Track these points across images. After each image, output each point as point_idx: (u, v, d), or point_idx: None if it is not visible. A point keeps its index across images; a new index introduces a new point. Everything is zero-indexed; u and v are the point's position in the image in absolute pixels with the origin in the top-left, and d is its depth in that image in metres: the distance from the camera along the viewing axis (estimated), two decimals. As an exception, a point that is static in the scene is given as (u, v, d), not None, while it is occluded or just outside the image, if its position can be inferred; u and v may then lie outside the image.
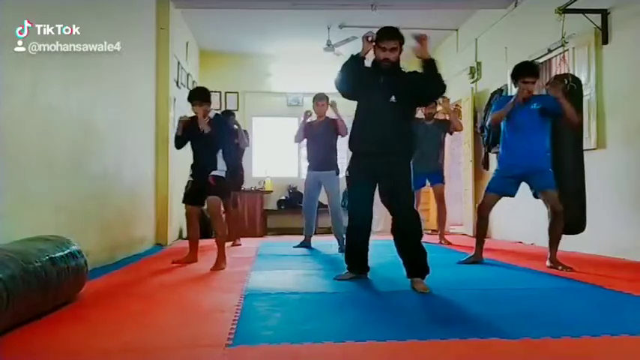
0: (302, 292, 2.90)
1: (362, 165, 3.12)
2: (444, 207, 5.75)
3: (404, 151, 3.09)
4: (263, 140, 8.84)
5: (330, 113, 5.20)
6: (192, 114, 4.08)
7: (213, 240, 4.12)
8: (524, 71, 3.73)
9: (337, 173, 5.15)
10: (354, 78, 3.09)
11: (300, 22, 7.21)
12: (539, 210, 4.16)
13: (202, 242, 4.45)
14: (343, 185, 5.24)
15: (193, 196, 4.05)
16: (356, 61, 3.08)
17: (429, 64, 2.98)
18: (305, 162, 5.78)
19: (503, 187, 3.87)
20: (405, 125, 3.12)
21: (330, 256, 4.74)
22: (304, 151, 7.47)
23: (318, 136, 5.21)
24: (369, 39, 3.04)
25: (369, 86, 3.07)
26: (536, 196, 3.84)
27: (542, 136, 3.76)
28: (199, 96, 4.02)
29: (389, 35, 2.99)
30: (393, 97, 3.00)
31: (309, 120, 5.34)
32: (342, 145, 4.72)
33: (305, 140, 5.45)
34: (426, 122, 5.63)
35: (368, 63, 3.15)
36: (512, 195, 3.89)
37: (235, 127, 5.93)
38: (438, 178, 5.66)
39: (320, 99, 5.22)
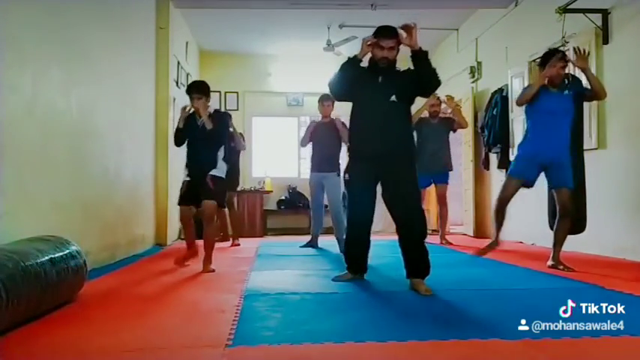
0: (302, 292, 2.90)
1: (364, 167, 3.07)
2: (446, 207, 5.72)
3: (407, 150, 3.05)
4: (263, 140, 8.84)
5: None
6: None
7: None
8: (553, 55, 3.66)
9: (338, 175, 5.15)
10: (352, 79, 3.04)
11: (300, 22, 7.21)
12: (540, 210, 4.16)
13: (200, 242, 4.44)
14: (343, 186, 5.23)
15: (189, 196, 3.83)
16: (353, 63, 3.04)
17: (420, 55, 2.92)
18: (305, 162, 5.77)
19: (525, 171, 3.67)
20: (406, 124, 3.10)
21: (330, 256, 4.73)
22: (304, 152, 7.46)
23: (322, 137, 5.21)
24: (369, 43, 2.99)
25: (368, 86, 3.02)
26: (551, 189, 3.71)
27: (568, 123, 3.63)
28: (199, 89, 3.79)
29: (388, 34, 2.96)
30: (393, 97, 2.96)
31: (314, 122, 5.34)
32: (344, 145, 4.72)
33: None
34: (431, 121, 5.62)
35: (364, 64, 3.10)
36: (531, 184, 3.71)
37: (231, 129, 5.92)
38: (443, 177, 5.65)
39: (326, 99, 5.17)
